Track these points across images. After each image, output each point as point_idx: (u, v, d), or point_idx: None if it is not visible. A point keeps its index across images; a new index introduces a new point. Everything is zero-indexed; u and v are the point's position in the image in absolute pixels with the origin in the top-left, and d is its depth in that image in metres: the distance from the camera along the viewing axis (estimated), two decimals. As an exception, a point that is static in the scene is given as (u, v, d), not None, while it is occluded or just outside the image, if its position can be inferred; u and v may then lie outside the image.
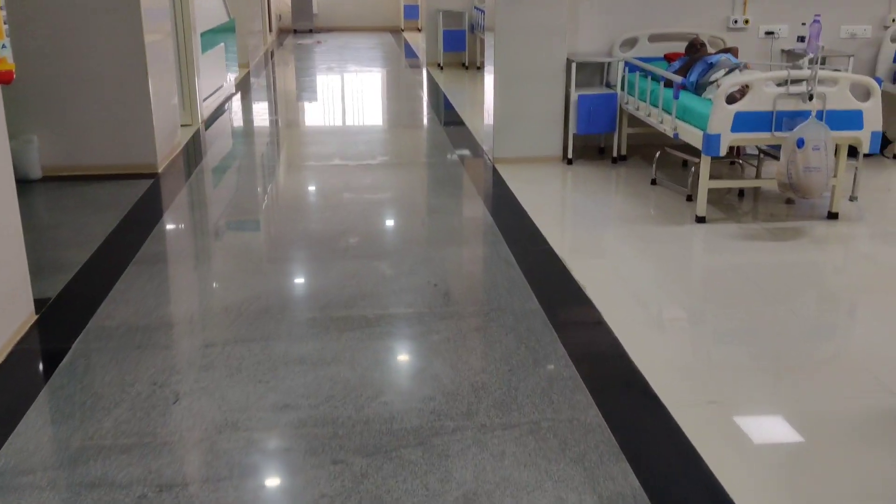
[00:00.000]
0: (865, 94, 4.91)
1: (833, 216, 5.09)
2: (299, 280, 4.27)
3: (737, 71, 5.33)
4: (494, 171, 6.35)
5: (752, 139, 4.82)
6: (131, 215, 5.22)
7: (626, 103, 6.28)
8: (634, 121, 6.37)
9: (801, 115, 4.70)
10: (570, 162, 6.52)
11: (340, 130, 7.99)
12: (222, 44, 9.47)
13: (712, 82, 5.51)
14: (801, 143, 4.57)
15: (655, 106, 5.74)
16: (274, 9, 16.61)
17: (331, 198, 5.68)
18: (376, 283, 4.12)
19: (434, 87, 10.57)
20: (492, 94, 6.49)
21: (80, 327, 3.60)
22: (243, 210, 5.53)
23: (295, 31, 17.11)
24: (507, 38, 6.28)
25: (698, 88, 5.64)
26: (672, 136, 5.31)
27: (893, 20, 6.70)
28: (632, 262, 4.51)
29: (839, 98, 4.72)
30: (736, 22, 6.63)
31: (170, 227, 5.16)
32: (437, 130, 7.97)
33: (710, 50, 6.43)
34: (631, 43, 6.61)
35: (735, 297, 4.01)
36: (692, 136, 5.06)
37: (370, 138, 7.58)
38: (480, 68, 11.75)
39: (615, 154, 6.54)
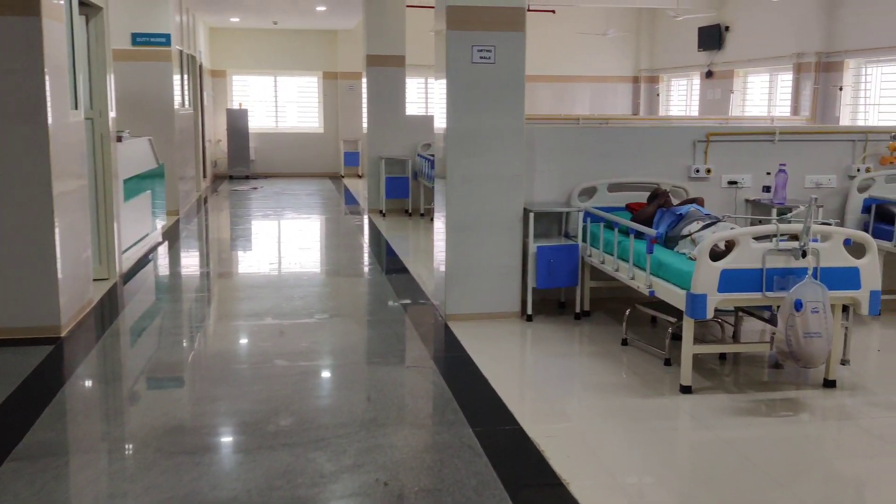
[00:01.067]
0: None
1: (830, 384, 4.54)
2: (217, 480, 3.46)
3: (716, 224, 4.88)
4: (447, 329, 5.71)
5: (742, 300, 4.30)
6: (20, 392, 4.38)
7: (589, 255, 5.79)
8: (597, 273, 5.87)
9: (793, 274, 4.22)
10: (529, 318, 5.93)
11: (276, 282, 7.32)
12: (149, 191, 8.86)
13: (685, 236, 5.05)
14: (799, 306, 4.07)
15: (624, 260, 5.24)
16: (209, 154, 16.19)
17: (261, 366, 4.93)
18: (312, 482, 3.34)
19: (376, 235, 10.05)
20: (443, 245, 5.94)
21: (-79, 559, 2.73)
22: (157, 383, 4.73)
23: (231, 177, 16.67)
24: (459, 186, 5.80)
25: (668, 241, 5.19)
26: (647, 293, 4.77)
27: (858, 170, 6.46)
28: (618, 445, 3.84)
29: (833, 254, 4.28)
30: (697, 171, 6.30)
31: (66, 406, 4.32)
32: (381, 282, 7.36)
33: (674, 200, 6.05)
34: (589, 192, 6.20)
35: (737, 483, 3.36)
36: (671, 294, 4.53)
37: (308, 292, 6.91)
38: (424, 215, 11.34)
39: (578, 309, 5.99)
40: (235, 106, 17.13)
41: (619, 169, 6.24)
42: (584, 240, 5.88)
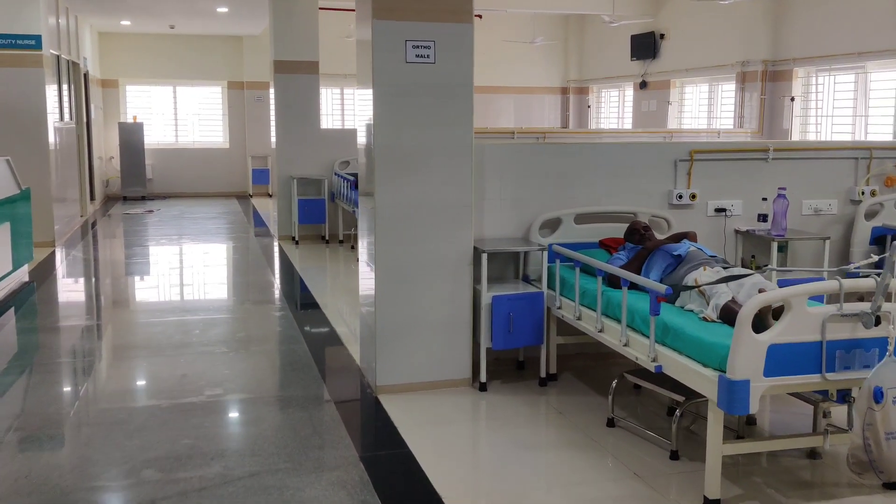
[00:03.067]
0: None
1: (891, 487, 3.42)
2: None
3: (746, 276, 3.70)
4: (378, 406, 4.41)
5: (795, 385, 3.13)
6: None
7: (559, 307, 4.58)
8: (564, 326, 4.66)
9: (859, 347, 3.09)
10: (483, 387, 4.68)
11: (160, 340, 5.87)
12: (7, 222, 7.26)
13: (689, 287, 3.88)
14: (879, 396, 2.93)
15: (612, 317, 4.04)
16: (99, 173, 14.43)
17: (120, 484, 3.51)
18: None
19: (288, 269, 8.65)
20: (371, 292, 4.64)
21: None
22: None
23: (125, 199, 14.93)
24: (390, 218, 4.51)
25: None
26: (652, 369, 3.57)
27: (863, 193, 5.45)
28: None
29: (909, 317, 3.15)
30: (681, 197, 5.18)
31: None
32: (293, 336, 5.99)
33: (658, 235, 4.91)
34: (552, 225, 5.00)
35: None
36: (691, 376, 3.34)
37: (199, 353, 5.49)
38: (343, 242, 9.99)
39: (543, 373, 4.77)
40: (129, 119, 15.40)
41: (586, 195, 5.06)
42: (550, 286, 4.67)
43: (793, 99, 10.71)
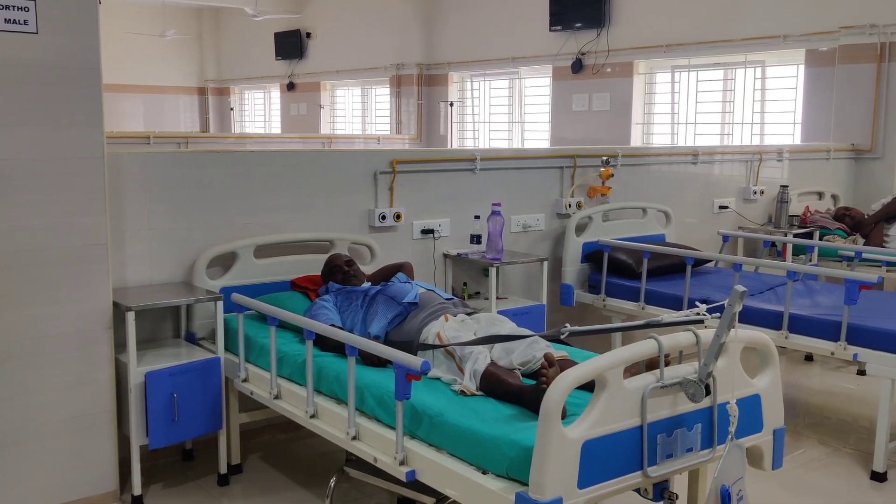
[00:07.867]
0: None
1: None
2: None
3: (529, 337, 2.75)
4: (-31, 562, 2.82)
5: (614, 490, 2.23)
6: None
7: (244, 379, 3.32)
8: (248, 398, 3.42)
9: (682, 426, 2.30)
10: (137, 501, 3.26)
11: None
12: None
13: (429, 346, 2.88)
14: (726, 498, 2.15)
15: (328, 395, 2.91)
16: None
17: None
18: None
19: None
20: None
21: None
22: None
23: None
24: (-25, 273, 2.92)
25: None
26: (404, 477, 2.48)
27: (569, 205, 4.91)
28: None
29: (731, 376, 2.43)
30: (384, 218, 4.19)
31: None
32: None
33: (363, 268, 3.88)
34: (225, 261, 3.72)
35: None
36: (464, 487, 2.31)
37: None
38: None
39: (224, 468, 3.48)
40: None
41: (267, 220, 3.85)
42: (229, 348, 3.40)
43: (452, 104, 10.38)
